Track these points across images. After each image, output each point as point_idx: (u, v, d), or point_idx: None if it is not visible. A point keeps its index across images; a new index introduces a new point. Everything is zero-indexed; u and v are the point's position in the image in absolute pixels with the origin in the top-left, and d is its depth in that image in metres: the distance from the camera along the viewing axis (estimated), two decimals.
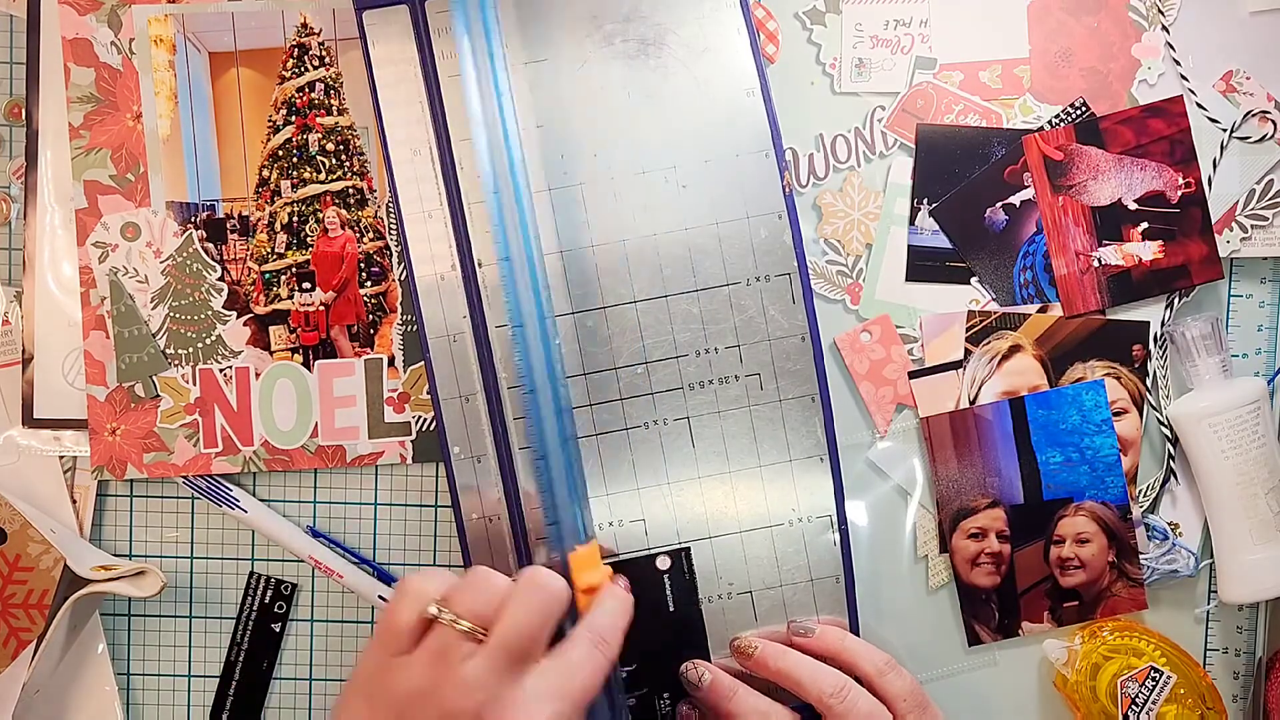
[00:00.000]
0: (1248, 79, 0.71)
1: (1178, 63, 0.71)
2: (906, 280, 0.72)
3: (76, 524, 0.72)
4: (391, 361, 0.72)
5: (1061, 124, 0.71)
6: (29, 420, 0.71)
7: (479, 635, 0.57)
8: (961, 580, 0.73)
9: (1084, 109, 0.71)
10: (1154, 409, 0.72)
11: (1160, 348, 0.72)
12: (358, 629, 0.74)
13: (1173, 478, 0.73)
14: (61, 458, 0.72)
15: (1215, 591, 0.73)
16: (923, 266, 0.72)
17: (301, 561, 0.73)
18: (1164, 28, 0.71)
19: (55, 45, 0.71)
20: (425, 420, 0.72)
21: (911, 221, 0.72)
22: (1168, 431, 0.72)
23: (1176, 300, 0.72)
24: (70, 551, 0.69)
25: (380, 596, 0.71)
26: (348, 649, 0.74)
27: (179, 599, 0.74)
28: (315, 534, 0.73)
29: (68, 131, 0.71)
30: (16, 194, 0.72)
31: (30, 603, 0.70)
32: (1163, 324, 0.72)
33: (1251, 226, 0.71)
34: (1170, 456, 0.72)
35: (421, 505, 0.73)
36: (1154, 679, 0.70)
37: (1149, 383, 0.72)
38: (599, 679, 0.58)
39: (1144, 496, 0.73)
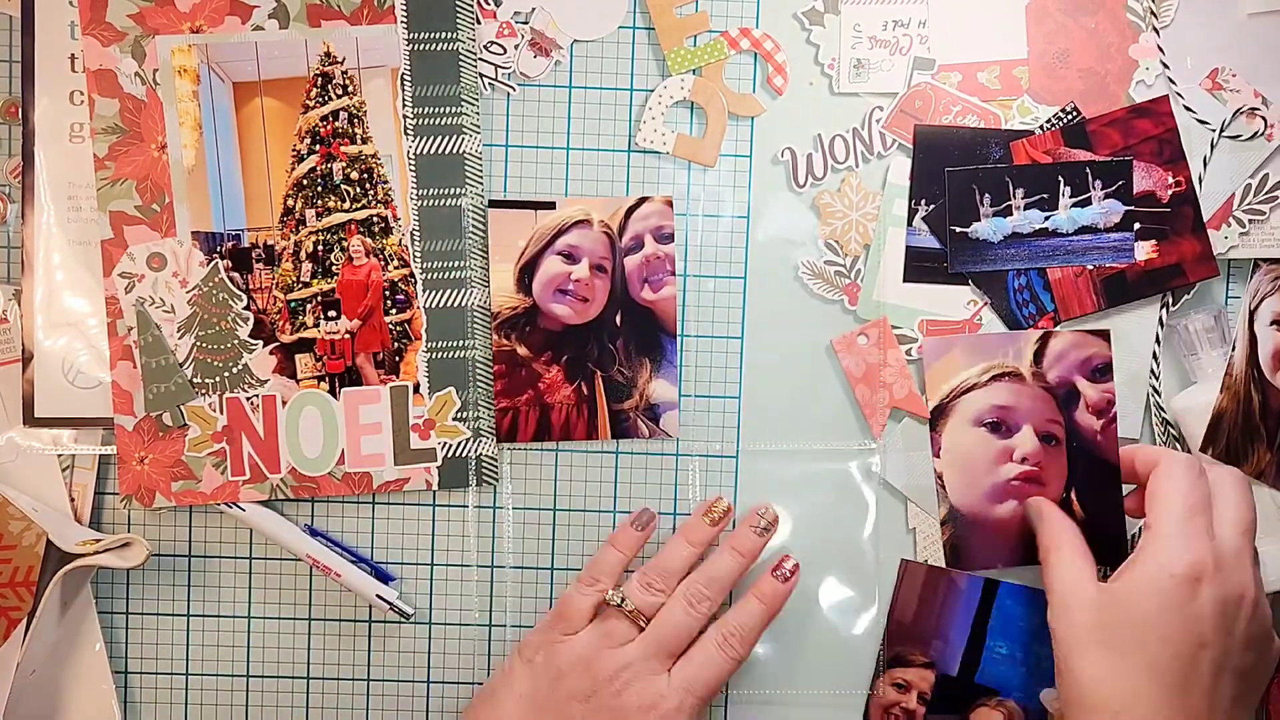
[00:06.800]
0: (1234, 76, 0.74)
1: (1165, 65, 0.74)
2: (904, 281, 0.75)
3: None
4: (417, 388, 0.75)
5: (1051, 128, 0.74)
6: (29, 419, 0.74)
7: (641, 623, 0.70)
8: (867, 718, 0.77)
9: (1074, 113, 0.74)
10: (1159, 408, 0.75)
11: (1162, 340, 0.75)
12: (355, 628, 0.77)
13: None
14: (60, 456, 0.75)
15: None
16: (921, 267, 0.75)
17: (299, 560, 0.76)
18: (1154, 29, 0.74)
19: (50, 44, 0.74)
20: (451, 446, 0.75)
21: (909, 222, 0.75)
22: (1174, 429, 0.75)
23: (1171, 301, 0.75)
24: (54, 528, 0.72)
25: (379, 595, 0.74)
26: (344, 648, 0.77)
27: (176, 598, 0.77)
28: (313, 532, 0.76)
29: (64, 131, 0.74)
30: (14, 193, 0.75)
31: (16, 580, 0.73)
32: (1160, 324, 0.75)
33: (1249, 221, 0.74)
34: None
35: (419, 505, 0.76)
36: None
37: (1153, 383, 0.75)
38: (723, 675, 0.70)
39: None
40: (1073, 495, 0.75)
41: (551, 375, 0.75)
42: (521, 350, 0.75)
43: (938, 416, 0.76)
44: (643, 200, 0.75)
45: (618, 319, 0.75)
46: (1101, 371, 0.75)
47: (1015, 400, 0.75)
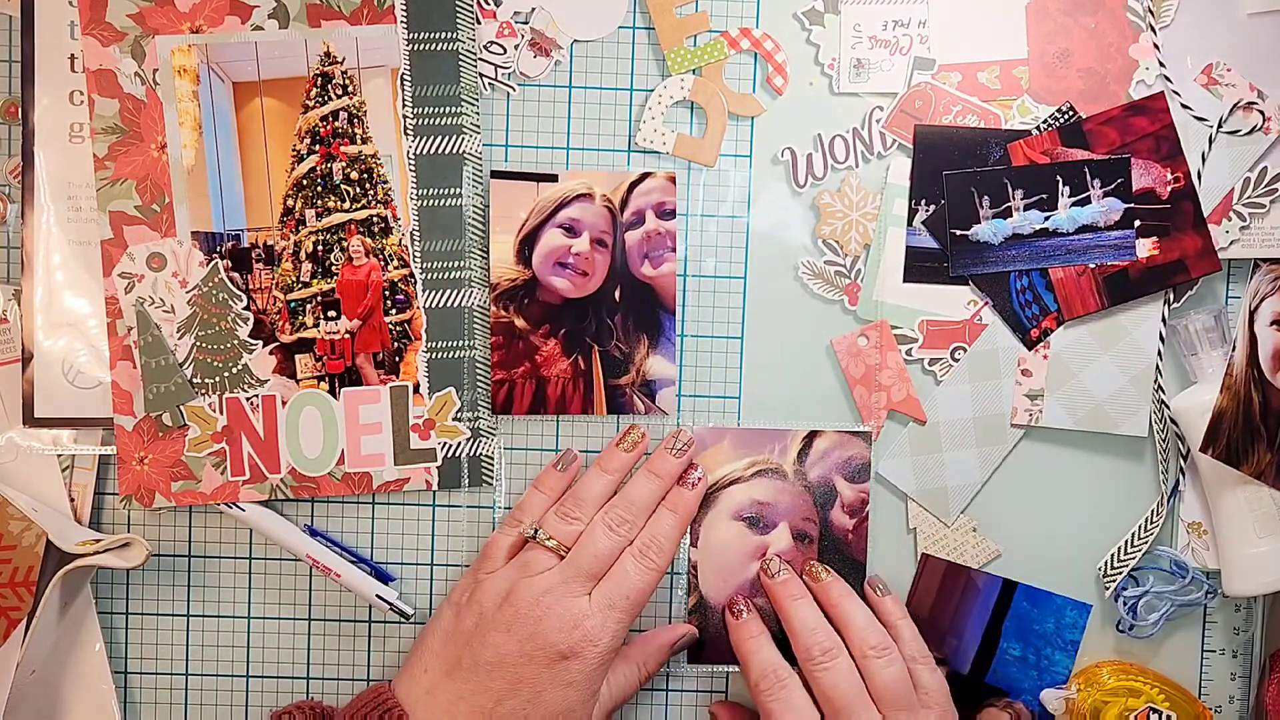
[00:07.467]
0: (1229, 70, 0.74)
1: (1162, 64, 0.74)
2: (904, 281, 0.76)
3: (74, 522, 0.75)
4: (417, 388, 0.75)
5: (1048, 128, 0.75)
6: (29, 419, 0.74)
7: (561, 553, 0.71)
8: None
9: (1070, 113, 0.75)
10: (1164, 405, 0.75)
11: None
12: (355, 628, 0.77)
13: (1182, 477, 0.76)
14: (60, 456, 0.75)
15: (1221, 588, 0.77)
16: (921, 267, 0.75)
17: (300, 560, 0.76)
18: (1151, 28, 0.74)
19: (50, 44, 0.74)
20: (450, 446, 0.76)
21: (910, 223, 0.75)
22: (1177, 428, 0.75)
23: (1173, 298, 0.75)
24: (54, 528, 0.72)
25: (379, 595, 0.74)
26: (344, 648, 0.77)
27: (176, 598, 0.77)
28: (313, 533, 0.76)
29: (64, 131, 0.74)
30: (14, 193, 0.75)
31: (16, 580, 0.73)
32: (1164, 321, 0.75)
33: (1250, 215, 0.74)
34: (1182, 455, 0.76)
35: (419, 505, 0.77)
36: (1154, 718, 0.74)
37: (1157, 381, 0.75)
38: (644, 587, 0.70)
39: (1155, 516, 0.76)
40: None
41: (549, 348, 0.75)
42: (519, 322, 0.75)
43: (699, 506, 0.76)
44: (645, 175, 0.75)
45: (617, 294, 0.75)
46: (860, 472, 0.76)
47: (775, 497, 0.76)
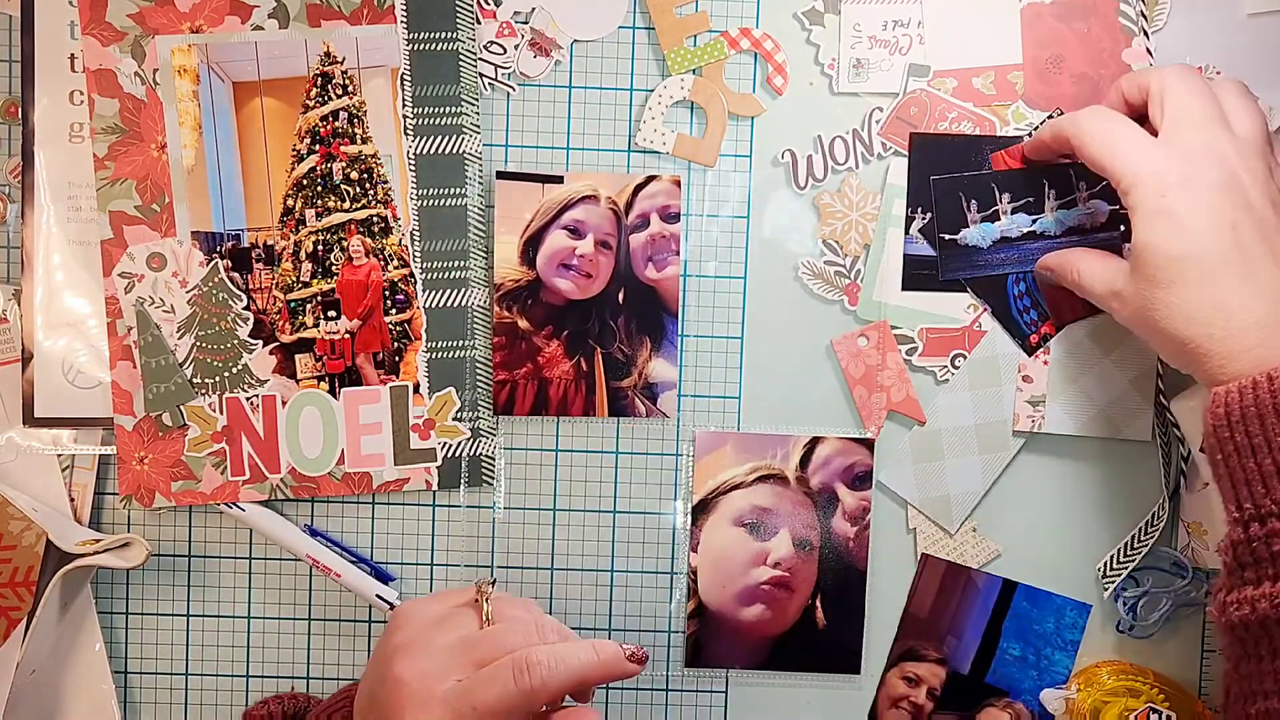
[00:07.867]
0: (1218, 73, 0.74)
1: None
2: (903, 289, 0.76)
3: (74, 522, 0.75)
4: (417, 388, 0.75)
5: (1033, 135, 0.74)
6: (29, 419, 0.74)
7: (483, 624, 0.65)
8: (875, 711, 0.78)
9: (1058, 115, 0.74)
10: (1165, 407, 0.76)
11: None
12: (355, 628, 0.77)
13: (1182, 478, 0.76)
14: (60, 456, 0.75)
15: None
16: (920, 275, 0.75)
17: (300, 560, 0.76)
18: (1144, 32, 0.75)
19: (50, 44, 0.74)
20: (450, 446, 0.76)
21: (907, 231, 0.75)
22: (1178, 430, 0.75)
23: None
24: (54, 528, 0.72)
25: (379, 595, 0.74)
26: (344, 648, 0.77)
27: (176, 598, 0.77)
28: (313, 532, 0.76)
29: (64, 131, 0.74)
30: (14, 193, 0.75)
31: (16, 580, 0.73)
32: None
33: None
34: (1183, 457, 0.76)
35: (419, 505, 0.77)
36: (1154, 718, 0.74)
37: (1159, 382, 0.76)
38: (502, 704, 0.60)
39: (1156, 519, 0.76)
40: (817, 602, 0.77)
41: (551, 349, 0.75)
42: (522, 323, 0.75)
43: (700, 511, 0.77)
44: (651, 179, 0.75)
45: (620, 296, 0.75)
46: (862, 479, 0.76)
47: (776, 503, 0.76)
